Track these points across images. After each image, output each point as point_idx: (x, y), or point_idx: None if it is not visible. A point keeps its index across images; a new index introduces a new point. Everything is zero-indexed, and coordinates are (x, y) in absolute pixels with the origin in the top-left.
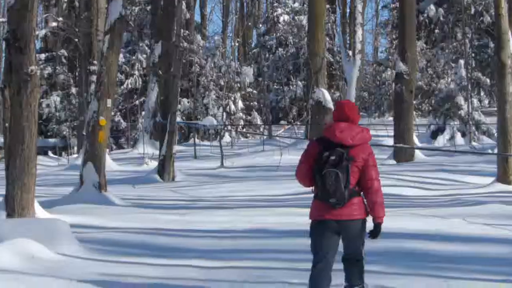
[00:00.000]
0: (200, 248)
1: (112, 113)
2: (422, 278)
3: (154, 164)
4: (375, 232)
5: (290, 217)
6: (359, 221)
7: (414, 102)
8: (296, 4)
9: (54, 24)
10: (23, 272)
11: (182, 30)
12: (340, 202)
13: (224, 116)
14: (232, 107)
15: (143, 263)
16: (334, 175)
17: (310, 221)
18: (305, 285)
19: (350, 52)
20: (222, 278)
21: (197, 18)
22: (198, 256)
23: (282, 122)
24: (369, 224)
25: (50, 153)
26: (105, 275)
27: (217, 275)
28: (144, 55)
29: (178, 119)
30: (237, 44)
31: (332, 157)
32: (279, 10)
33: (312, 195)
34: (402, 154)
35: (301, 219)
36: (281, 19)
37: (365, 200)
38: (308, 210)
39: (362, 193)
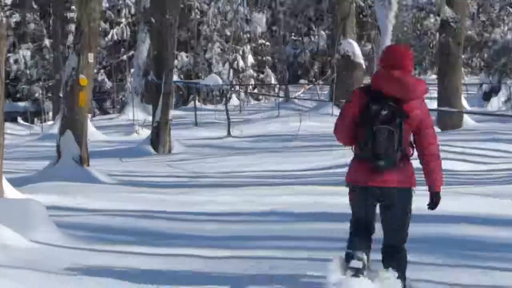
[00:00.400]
0: (202, 234)
1: (95, 71)
2: (462, 269)
3: (146, 133)
4: (434, 203)
5: (309, 197)
6: (407, 191)
7: (463, 56)
8: None
9: None
10: None
11: None
12: (389, 165)
13: (231, 74)
14: (241, 63)
15: (134, 252)
16: (386, 133)
17: (346, 190)
18: (324, 278)
19: None
20: (227, 270)
21: None
22: (199, 244)
23: (301, 81)
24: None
25: (20, 120)
26: (89, 266)
27: (222, 266)
28: None
29: (175, 77)
30: None
31: (384, 112)
32: None
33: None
34: (448, 119)
35: (323, 199)
36: None
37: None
38: (333, 188)
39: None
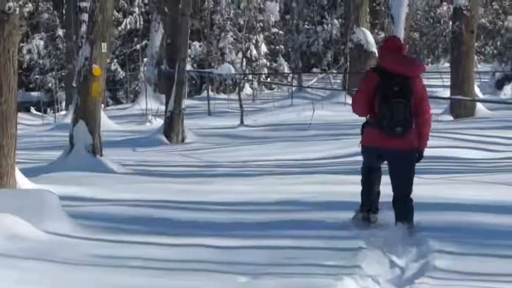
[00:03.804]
0: (217, 224)
1: (108, 61)
2: (479, 258)
3: (159, 122)
4: (419, 158)
5: (325, 186)
6: (414, 151)
7: (476, 44)
8: None
9: None
10: (5, 254)
11: None
12: (405, 130)
13: (244, 63)
14: (254, 52)
15: (148, 242)
16: (402, 104)
17: (362, 148)
18: (343, 268)
19: None
20: (242, 260)
21: None
22: (213, 234)
23: (314, 70)
24: None
25: (33, 110)
26: (103, 257)
27: (237, 256)
28: None
29: (188, 67)
30: None
31: (396, 88)
32: None
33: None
34: (461, 108)
35: (339, 188)
36: None
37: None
38: (346, 177)
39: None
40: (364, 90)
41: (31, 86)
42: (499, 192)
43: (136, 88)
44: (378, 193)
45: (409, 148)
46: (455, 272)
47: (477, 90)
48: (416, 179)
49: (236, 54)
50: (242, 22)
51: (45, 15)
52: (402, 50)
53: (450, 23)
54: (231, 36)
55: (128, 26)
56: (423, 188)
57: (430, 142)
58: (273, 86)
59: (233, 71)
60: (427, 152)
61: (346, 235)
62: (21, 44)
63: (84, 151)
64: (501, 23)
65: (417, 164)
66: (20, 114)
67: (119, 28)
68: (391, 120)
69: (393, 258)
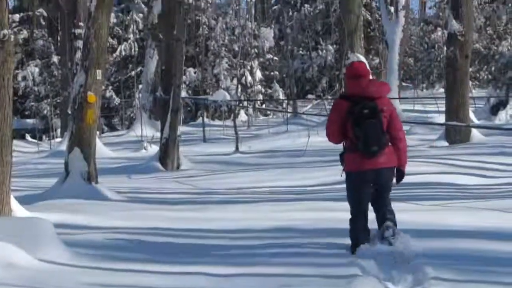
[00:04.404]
0: (212, 251)
1: (103, 87)
2: (475, 285)
3: (154, 149)
4: (400, 177)
5: (320, 213)
6: (393, 169)
7: (470, 69)
8: None
9: None
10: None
11: None
12: (381, 149)
13: (239, 90)
14: (249, 78)
15: (143, 270)
16: (374, 124)
17: (346, 176)
18: None
19: (392, 8)
20: (235, 287)
21: None
22: (209, 262)
23: (309, 96)
24: None
25: (28, 137)
26: (98, 285)
27: (232, 284)
28: (141, 14)
29: (183, 93)
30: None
31: (366, 110)
32: None
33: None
34: (456, 134)
35: (335, 215)
36: None
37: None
38: (341, 204)
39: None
40: (335, 118)
41: (26, 113)
42: (494, 218)
43: (131, 115)
44: (368, 231)
45: (390, 166)
46: None
47: (472, 115)
48: (411, 206)
49: (231, 80)
50: (237, 48)
51: (40, 42)
52: (366, 75)
53: (445, 48)
54: (226, 62)
55: (123, 53)
56: (418, 215)
57: (425, 168)
58: (268, 112)
59: (228, 97)
60: (422, 178)
61: (340, 262)
62: (16, 71)
63: (79, 179)
64: (495, 48)
65: (399, 183)
66: (15, 141)
67: (114, 55)
68: (366, 140)
69: (389, 285)
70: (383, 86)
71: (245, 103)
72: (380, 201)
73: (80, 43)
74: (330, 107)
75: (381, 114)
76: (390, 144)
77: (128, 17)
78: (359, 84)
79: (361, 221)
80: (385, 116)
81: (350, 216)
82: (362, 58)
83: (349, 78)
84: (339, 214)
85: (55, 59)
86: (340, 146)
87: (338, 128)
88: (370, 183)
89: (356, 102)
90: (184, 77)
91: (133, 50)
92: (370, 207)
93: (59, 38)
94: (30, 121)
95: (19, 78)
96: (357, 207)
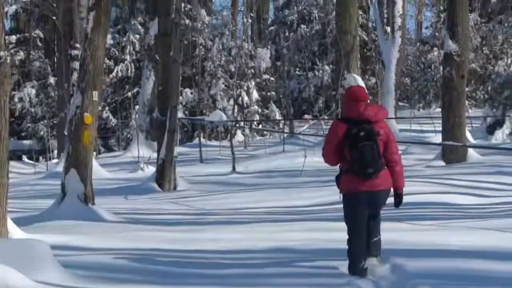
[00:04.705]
0: (209, 272)
1: (100, 108)
2: None
3: (151, 170)
4: (399, 201)
5: (318, 233)
6: (388, 191)
7: (467, 89)
8: None
9: None
10: None
11: (183, 4)
12: (377, 171)
13: (236, 110)
14: (245, 98)
15: None
16: (370, 147)
17: (343, 197)
18: None
19: (388, 29)
20: None
21: None
22: (205, 283)
23: (306, 116)
24: None
25: (24, 158)
26: None
27: None
28: (137, 36)
29: (180, 114)
30: (250, 20)
31: (362, 133)
32: None
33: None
34: (453, 153)
35: (332, 235)
36: None
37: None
38: (338, 224)
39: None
40: (332, 140)
41: (23, 134)
42: (491, 238)
43: (128, 136)
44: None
45: (385, 188)
46: None
47: (468, 135)
48: (408, 225)
49: (228, 100)
50: (233, 69)
51: (37, 63)
52: (364, 98)
53: (441, 68)
54: (223, 83)
55: (120, 74)
56: (414, 235)
57: (422, 188)
58: (265, 132)
59: (224, 118)
60: (419, 198)
61: (338, 283)
62: (13, 93)
63: (76, 200)
64: (491, 68)
65: (398, 206)
66: (12, 163)
67: (111, 76)
68: (361, 162)
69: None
70: (380, 110)
71: (242, 124)
72: (369, 227)
73: (76, 65)
74: (327, 127)
75: (378, 137)
76: (386, 167)
77: (124, 38)
78: (357, 107)
79: (359, 241)
80: (381, 139)
81: (347, 237)
82: (359, 78)
83: (348, 101)
84: (337, 234)
85: (51, 80)
86: (336, 166)
87: (334, 149)
88: (366, 204)
89: (354, 125)
90: (180, 97)
91: (129, 71)
92: None
93: (55, 60)
94: (26, 142)
95: (16, 99)
96: (354, 227)
